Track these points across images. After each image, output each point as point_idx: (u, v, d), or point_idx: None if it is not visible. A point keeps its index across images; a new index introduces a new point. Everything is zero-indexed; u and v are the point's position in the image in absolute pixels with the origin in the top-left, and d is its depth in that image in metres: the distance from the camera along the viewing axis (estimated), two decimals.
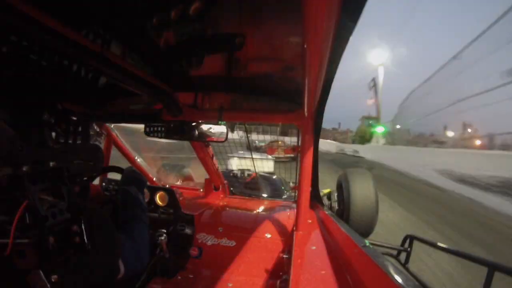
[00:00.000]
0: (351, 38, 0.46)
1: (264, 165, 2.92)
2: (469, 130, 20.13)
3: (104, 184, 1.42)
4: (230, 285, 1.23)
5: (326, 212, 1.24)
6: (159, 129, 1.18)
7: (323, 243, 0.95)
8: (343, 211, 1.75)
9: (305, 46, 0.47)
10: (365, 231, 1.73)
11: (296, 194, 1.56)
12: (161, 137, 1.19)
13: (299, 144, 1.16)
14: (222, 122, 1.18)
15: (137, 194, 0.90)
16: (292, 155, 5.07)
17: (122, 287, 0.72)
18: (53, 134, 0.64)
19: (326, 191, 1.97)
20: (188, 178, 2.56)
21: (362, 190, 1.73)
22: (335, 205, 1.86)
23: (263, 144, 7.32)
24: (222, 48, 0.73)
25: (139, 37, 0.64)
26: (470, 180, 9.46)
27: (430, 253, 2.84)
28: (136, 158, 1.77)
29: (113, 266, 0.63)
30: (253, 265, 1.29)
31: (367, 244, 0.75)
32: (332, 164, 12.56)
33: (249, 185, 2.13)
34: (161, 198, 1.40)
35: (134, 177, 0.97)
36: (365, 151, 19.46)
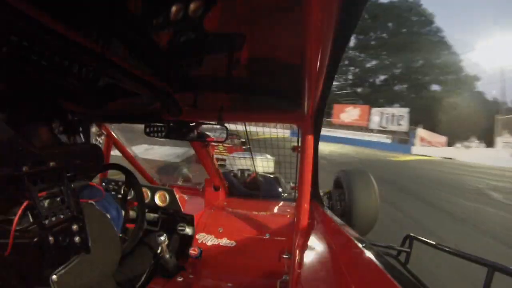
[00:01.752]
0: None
1: (264, 165, 2.92)
2: None
3: (104, 184, 1.42)
4: (230, 285, 1.23)
5: (326, 212, 1.24)
6: (159, 129, 1.18)
7: (323, 243, 0.95)
8: (344, 211, 1.76)
9: (305, 46, 0.47)
10: (366, 230, 1.73)
11: (296, 194, 1.56)
12: (161, 137, 1.19)
13: (299, 144, 1.16)
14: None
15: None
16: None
17: (122, 287, 0.72)
18: (53, 134, 0.64)
19: (326, 190, 1.97)
20: (187, 179, 2.57)
21: (362, 189, 1.73)
22: (337, 205, 1.86)
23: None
24: (222, 48, 0.73)
25: (139, 37, 0.64)
26: None
27: None
28: (136, 158, 1.77)
29: (114, 263, 0.63)
30: (253, 265, 1.29)
31: (367, 244, 0.74)
32: None
33: (249, 185, 2.13)
34: (161, 198, 1.40)
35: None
36: None
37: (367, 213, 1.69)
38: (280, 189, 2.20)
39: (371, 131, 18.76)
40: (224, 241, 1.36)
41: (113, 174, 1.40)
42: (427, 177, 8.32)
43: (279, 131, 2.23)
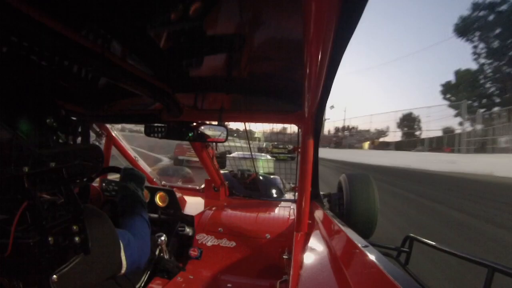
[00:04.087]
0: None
1: (264, 165, 2.91)
2: None
3: (104, 184, 1.42)
4: (230, 285, 1.23)
5: (326, 213, 1.24)
6: (160, 129, 1.18)
7: (323, 244, 0.95)
8: (343, 213, 1.75)
9: (305, 46, 0.47)
10: (365, 233, 1.72)
11: (296, 194, 1.56)
12: (161, 138, 1.19)
13: (299, 144, 1.16)
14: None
15: (136, 190, 0.90)
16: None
17: (122, 287, 0.72)
18: (54, 134, 0.64)
19: (327, 193, 1.97)
20: (188, 180, 2.56)
21: (361, 193, 1.72)
22: (335, 208, 1.85)
23: None
24: (222, 48, 0.73)
25: (139, 37, 0.64)
26: None
27: None
28: (136, 158, 1.77)
29: (114, 265, 0.63)
30: (253, 265, 1.29)
31: (367, 244, 0.74)
32: None
33: (249, 185, 2.13)
34: (161, 199, 1.40)
35: (133, 174, 0.97)
36: None
37: (365, 217, 1.66)
38: (280, 190, 2.20)
39: None
40: (224, 241, 1.36)
41: (113, 175, 1.40)
42: None
43: None
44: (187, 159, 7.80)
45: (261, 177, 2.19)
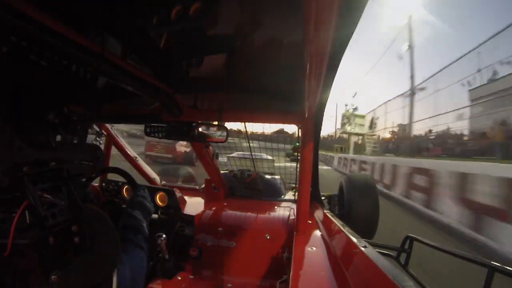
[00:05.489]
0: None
1: (264, 165, 2.91)
2: None
3: (104, 184, 1.42)
4: (230, 285, 1.23)
5: (327, 213, 1.24)
6: (159, 129, 1.18)
7: (323, 244, 0.95)
8: (344, 214, 1.74)
9: (305, 46, 0.47)
10: (366, 235, 1.71)
11: (296, 194, 1.56)
12: (161, 138, 1.19)
13: (299, 144, 1.16)
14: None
15: (142, 221, 0.88)
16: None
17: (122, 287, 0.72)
18: (54, 134, 0.64)
19: (327, 194, 1.97)
20: (189, 179, 2.56)
21: (363, 193, 1.71)
22: (335, 209, 1.85)
23: None
24: (222, 48, 0.73)
25: (139, 37, 0.64)
26: None
27: None
28: (135, 158, 1.77)
29: (114, 265, 0.63)
30: (253, 265, 1.29)
31: (367, 244, 0.74)
32: None
33: (249, 185, 2.12)
34: (161, 199, 1.40)
35: (143, 204, 0.96)
36: None
37: (364, 219, 1.65)
38: (280, 190, 2.20)
39: None
40: (224, 242, 1.36)
41: (113, 175, 1.40)
42: None
43: None
44: (155, 155, 9.08)
45: (261, 177, 2.19)
